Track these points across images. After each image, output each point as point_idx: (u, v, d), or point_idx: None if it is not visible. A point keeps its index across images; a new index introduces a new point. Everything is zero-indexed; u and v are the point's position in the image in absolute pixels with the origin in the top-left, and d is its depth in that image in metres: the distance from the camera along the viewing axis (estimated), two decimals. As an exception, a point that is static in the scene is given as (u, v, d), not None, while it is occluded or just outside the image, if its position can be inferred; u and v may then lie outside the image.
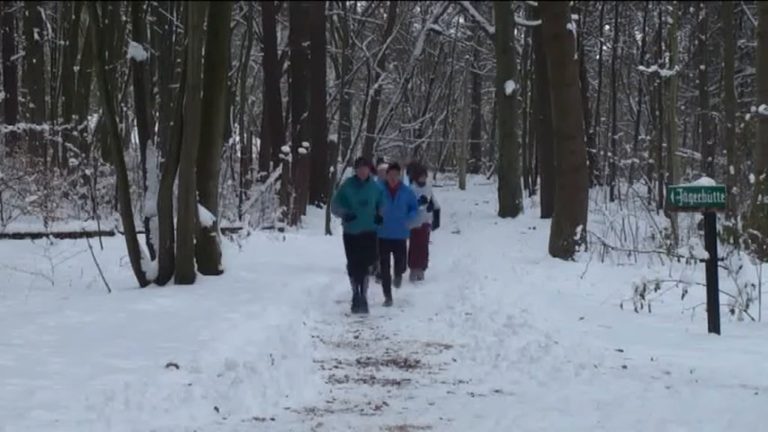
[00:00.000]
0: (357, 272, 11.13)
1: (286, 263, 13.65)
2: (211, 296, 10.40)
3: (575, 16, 21.05)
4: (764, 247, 14.48)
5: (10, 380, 6.30)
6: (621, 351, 7.87)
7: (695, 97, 32.37)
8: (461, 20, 40.13)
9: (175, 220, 11.50)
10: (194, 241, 11.58)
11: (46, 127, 20.20)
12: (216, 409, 5.91)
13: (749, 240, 14.56)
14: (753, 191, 16.46)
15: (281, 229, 18.88)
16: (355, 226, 11.19)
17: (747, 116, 19.99)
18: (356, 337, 9.37)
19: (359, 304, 10.97)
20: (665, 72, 20.80)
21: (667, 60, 21.74)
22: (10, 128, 19.75)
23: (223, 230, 14.14)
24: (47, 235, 13.26)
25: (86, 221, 15.34)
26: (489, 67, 41.76)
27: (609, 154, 30.92)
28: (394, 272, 12.50)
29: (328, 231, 19.85)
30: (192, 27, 11.61)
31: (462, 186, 35.35)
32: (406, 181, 14.02)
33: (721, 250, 11.47)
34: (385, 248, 11.93)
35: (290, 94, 26.60)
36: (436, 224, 14.38)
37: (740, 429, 5.58)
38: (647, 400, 6.34)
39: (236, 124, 31.18)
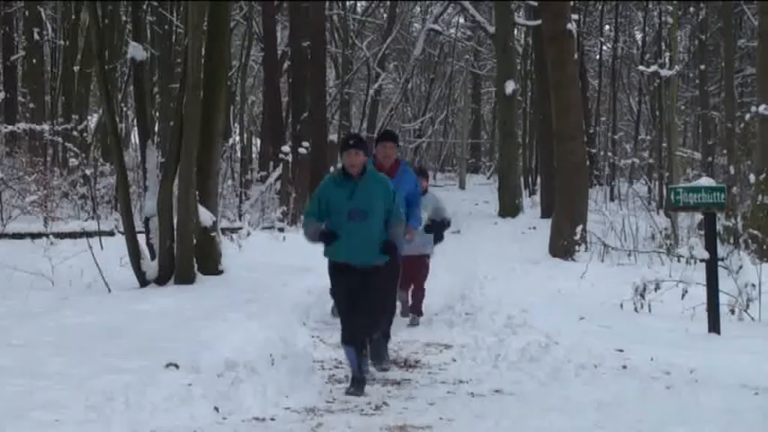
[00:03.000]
0: (358, 338, 6.91)
1: (286, 263, 13.63)
2: (211, 296, 10.40)
3: (575, 16, 21.04)
4: (764, 247, 14.49)
5: (10, 380, 6.29)
6: (621, 351, 7.87)
7: (695, 97, 32.36)
8: (461, 20, 40.10)
9: (175, 220, 11.50)
10: (194, 241, 11.57)
11: (46, 127, 20.22)
12: (216, 409, 5.91)
13: (749, 240, 14.57)
14: (753, 191, 16.46)
15: (281, 229, 18.85)
16: (351, 253, 6.91)
17: (747, 116, 19.99)
18: (356, 337, 9.36)
19: (359, 383, 6.82)
20: (665, 72, 20.79)
21: (667, 60, 21.74)
22: (10, 128, 19.76)
23: (223, 230, 14.13)
24: (47, 235, 13.24)
25: (86, 221, 15.34)
26: (489, 67, 41.73)
27: (609, 154, 30.91)
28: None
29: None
30: (192, 27, 11.60)
31: (462, 186, 35.33)
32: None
33: (721, 250, 11.47)
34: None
35: (290, 94, 26.59)
36: (439, 237, 10.49)
37: (740, 429, 5.58)
38: (647, 400, 6.34)
39: (236, 124, 31.20)
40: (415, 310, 10.35)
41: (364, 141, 7.18)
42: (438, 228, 10.22)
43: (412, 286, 10.38)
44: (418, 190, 8.77)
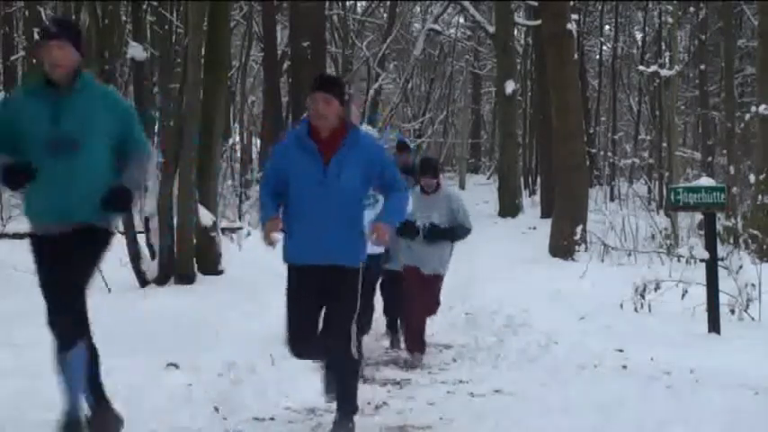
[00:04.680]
0: (62, 334, 4.81)
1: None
2: (211, 296, 10.39)
3: (575, 16, 21.06)
4: (764, 247, 14.50)
5: (10, 380, 6.29)
6: (621, 351, 7.86)
7: (695, 97, 32.36)
8: (461, 20, 40.11)
9: (175, 221, 11.50)
10: (194, 241, 11.57)
11: (46, 127, 20.19)
12: (216, 409, 5.91)
13: (749, 240, 14.58)
14: (753, 191, 16.48)
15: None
16: (50, 206, 4.49)
17: (747, 116, 20.00)
18: (356, 337, 9.35)
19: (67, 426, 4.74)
20: (665, 72, 20.81)
21: (667, 60, 21.75)
22: (10, 128, 19.75)
23: (223, 230, 14.12)
24: (47, 235, 13.24)
25: (86, 221, 15.30)
26: (489, 67, 41.73)
27: (609, 154, 30.92)
28: (328, 359, 5.65)
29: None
30: (192, 27, 11.62)
31: (462, 186, 35.32)
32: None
33: (721, 250, 11.46)
34: (312, 291, 5.30)
35: (290, 94, 26.58)
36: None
37: (740, 429, 5.58)
38: (647, 400, 6.33)
39: (236, 124, 31.17)
40: (413, 344, 8.03)
41: (77, 29, 4.53)
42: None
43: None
44: (388, 166, 5.33)
